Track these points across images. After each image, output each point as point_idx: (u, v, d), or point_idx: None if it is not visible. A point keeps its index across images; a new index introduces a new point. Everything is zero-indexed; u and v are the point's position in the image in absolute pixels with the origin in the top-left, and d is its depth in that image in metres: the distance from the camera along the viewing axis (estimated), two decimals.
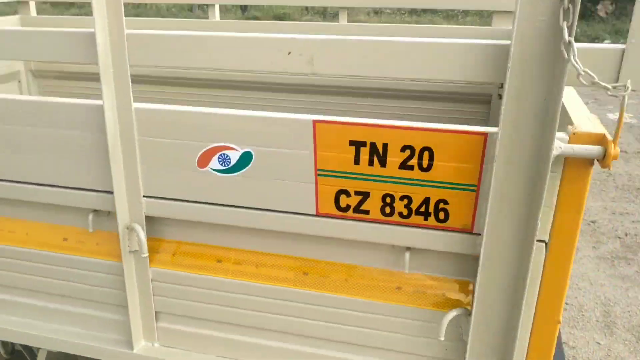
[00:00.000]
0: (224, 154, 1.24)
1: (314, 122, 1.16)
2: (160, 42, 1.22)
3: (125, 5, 1.20)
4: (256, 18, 10.68)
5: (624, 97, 0.95)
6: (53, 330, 1.54)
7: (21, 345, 1.90)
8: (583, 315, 3.38)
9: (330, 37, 1.12)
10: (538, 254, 1.14)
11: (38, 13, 3.02)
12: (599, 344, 3.13)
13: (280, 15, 11.25)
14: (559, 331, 1.46)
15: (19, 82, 3.25)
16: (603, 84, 0.95)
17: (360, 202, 1.19)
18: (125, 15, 1.19)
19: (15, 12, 3.09)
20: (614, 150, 1.00)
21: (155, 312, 1.45)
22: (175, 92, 2.39)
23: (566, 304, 3.44)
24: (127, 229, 1.35)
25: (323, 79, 2.13)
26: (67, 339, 1.52)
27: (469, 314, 1.18)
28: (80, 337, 1.52)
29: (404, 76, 1.08)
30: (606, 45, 0.99)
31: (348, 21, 2.35)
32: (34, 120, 1.35)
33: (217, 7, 2.45)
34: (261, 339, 1.38)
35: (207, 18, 2.50)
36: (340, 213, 1.21)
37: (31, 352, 1.90)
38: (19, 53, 1.42)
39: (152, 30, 1.22)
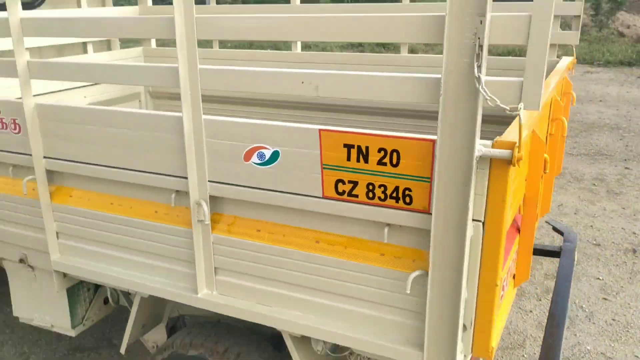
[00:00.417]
0: (261, 152, 1.76)
1: (320, 130, 1.64)
2: (220, 75, 1.77)
3: None
4: None
5: (518, 114, 1.35)
6: (144, 278, 2.13)
7: (122, 292, 2.52)
8: (628, 331, 3.52)
9: (329, 71, 1.61)
10: (477, 230, 1.54)
11: (154, 3, 3.89)
12: (637, 357, 3.28)
13: None
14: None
15: (140, 101, 4.04)
16: (502, 105, 1.35)
17: (352, 189, 1.66)
18: None
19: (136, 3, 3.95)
20: (517, 154, 1.39)
21: (215, 268, 1.98)
22: (229, 108, 3.45)
23: (612, 319, 3.61)
24: (197, 204, 1.90)
25: (325, 99, 3.03)
26: (154, 285, 2.10)
27: (427, 275, 1.59)
28: (161, 284, 2.09)
29: (375, 99, 1.54)
30: (511, 78, 1.39)
31: None
32: (139, 126, 1.95)
33: None
34: (284, 290, 1.87)
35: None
36: (338, 196, 1.68)
37: (129, 299, 2.51)
38: (138, 80, 2.04)
39: (216, 67, 1.78)
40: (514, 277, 1.95)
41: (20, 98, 2.16)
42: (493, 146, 1.45)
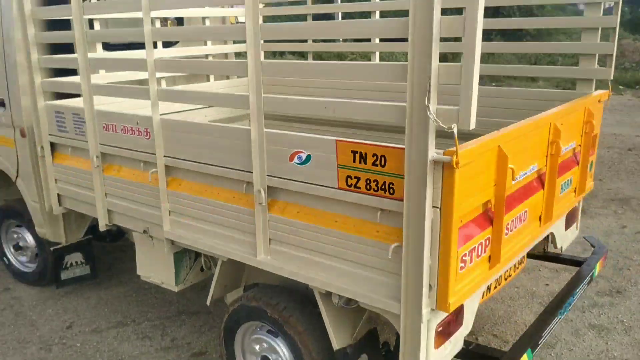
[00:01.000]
0: (300, 155, 2.51)
1: (336, 140, 2.36)
2: (275, 101, 2.56)
3: None
4: None
5: (454, 132, 1.97)
6: (222, 245, 2.95)
7: (212, 260, 3.35)
8: None
9: (341, 100, 2.33)
10: (436, 214, 2.15)
11: None
12: None
13: None
14: None
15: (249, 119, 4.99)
16: (442, 125, 1.98)
17: (356, 182, 2.35)
18: None
19: None
20: (455, 159, 2.00)
21: (270, 239, 2.75)
22: (279, 123, 4.43)
23: None
24: (258, 192, 2.68)
25: (339, 118, 4.04)
26: (229, 249, 2.92)
27: (401, 246, 2.23)
28: (233, 250, 2.90)
29: (369, 119, 2.23)
30: (450, 107, 2.01)
31: None
32: (222, 135, 2.79)
33: None
34: (314, 256, 2.58)
35: None
36: (348, 188, 2.38)
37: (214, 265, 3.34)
38: (226, 104, 2.89)
39: (272, 95, 2.57)
40: (489, 259, 2.50)
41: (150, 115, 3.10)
42: (444, 154, 2.07)
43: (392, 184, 2.24)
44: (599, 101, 3.47)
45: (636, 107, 13.28)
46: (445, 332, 2.44)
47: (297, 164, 2.53)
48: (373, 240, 2.36)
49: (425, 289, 2.22)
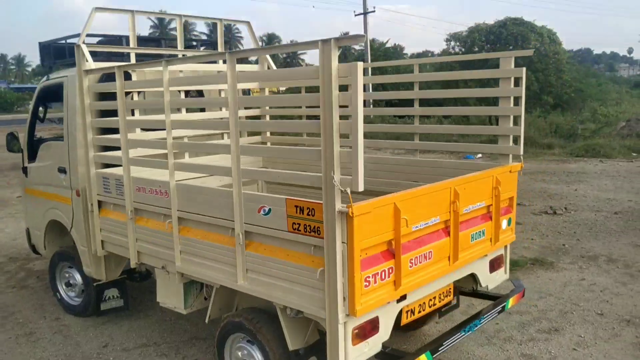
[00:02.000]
0: (264, 208, 3.63)
1: (286, 199, 3.49)
2: (247, 172, 3.73)
3: None
4: None
5: (348, 193, 3.07)
6: (214, 275, 4.06)
7: (209, 287, 4.43)
8: None
9: (282, 171, 3.47)
10: (344, 247, 3.22)
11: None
12: None
13: None
14: None
15: (258, 183, 6.17)
16: (341, 188, 3.08)
17: (299, 227, 3.45)
18: None
19: None
20: (351, 211, 3.09)
21: (246, 269, 3.84)
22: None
23: None
24: (238, 235, 3.80)
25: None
26: (219, 278, 4.02)
27: (324, 270, 3.29)
28: (222, 278, 4.01)
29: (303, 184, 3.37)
30: (347, 176, 3.10)
31: None
32: (214, 196, 3.96)
33: None
34: (275, 281, 3.66)
35: None
36: (294, 231, 3.48)
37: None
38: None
39: (247, 168, 3.74)
40: (394, 283, 3.51)
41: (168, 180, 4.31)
42: (347, 207, 3.15)
43: (319, 227, 3.33)
44: (510, 171, 4.51)
45: None
46: (361, 335, 3.45)
47: (263, 215, 3.65)
48: (309, 267, 3.43)
49: (340, 300, 3.26)
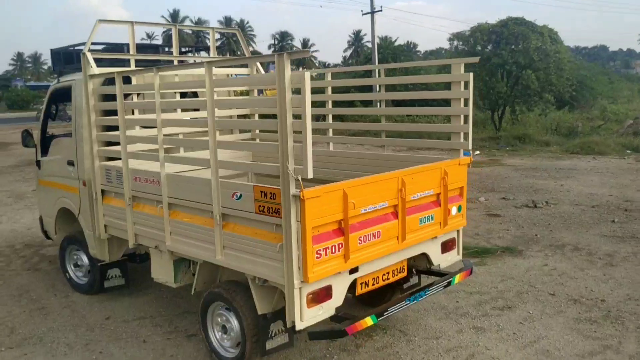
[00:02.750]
0: (236, 194, 4.30)
1: (253, 186, 4.16)
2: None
3: None
4: None
5: (299, 180, 3.72)
6: (197, 252, 4.74)
7: (195, 263, 5.10)
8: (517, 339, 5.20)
9: (249, 162, 4.13)
10: (298, 225, 3.87)
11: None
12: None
13: None
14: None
15: (248, 175, 6.84)
16: (294, 175, 3.73)
17: (263, 209, 4.11)
18: None
19: None
20: (302, 195, 3.74)
21: (223, 246, 4.51)
22: None
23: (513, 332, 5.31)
24: (216, 217, 4.47)
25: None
26: (202, 254, 4.70)
27: (282, 244, 3.95)
28: (204, 254, 4.69)
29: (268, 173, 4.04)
30: (300, 166, 3.75)
31: None
32: (197, 184, 4.64)
33: None
34: (246, 255, 4.33)
35: None
36: (260, 212, 4.14)
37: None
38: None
39: (222, 160, 4.42)
40: (344, 257, 4.16)
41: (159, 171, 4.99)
42: (300, 192, 3.80)
43: (278, 209, 3.98)
44: (459, 164, 5.14)
45: (629, 171, 14.47)
46: (315, 299, 4.10)
47: (236, 199, 4.32)
48: (271, 242, 4.09)
49: (295, 269, 3.92)
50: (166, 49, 7.21)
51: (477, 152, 19.35)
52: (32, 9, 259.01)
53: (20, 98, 55.26)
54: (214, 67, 4.46)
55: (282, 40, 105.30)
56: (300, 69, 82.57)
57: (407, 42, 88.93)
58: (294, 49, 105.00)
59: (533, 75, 22.64)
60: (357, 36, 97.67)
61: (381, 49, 35.62)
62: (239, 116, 6.99)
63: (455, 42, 26.80)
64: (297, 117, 3.74)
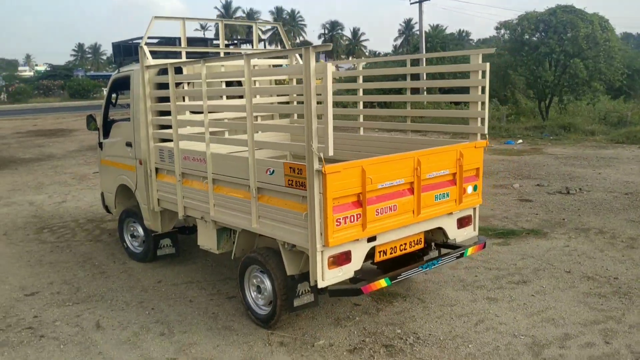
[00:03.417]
0: (270, 170, 4.94)
1: (284, 163, 4.77)
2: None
3: None
4: None
5: (321, 157, 4.31)
6: (236, 221, 5.41)
7: (235, 232, 5.78)
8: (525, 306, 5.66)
9: (276, 141, 4.74)
10: (321, 198, 4.47)
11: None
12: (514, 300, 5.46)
13: None
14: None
15: (286, 156, 7.49)
16: (317, 153, 4.32)
17: (292, 182, 4.72)
18: None
19: None
20: (324, 170, 4.33)
21: (258, 215, 5.16)
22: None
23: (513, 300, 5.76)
24: (253, 190, 5.12)
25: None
26: (239, 222, 5.37)
27: (307, 213, 4.56)
28: (241, 223, 5.36)
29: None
30: (322, 145, 4.33)
31: None
32: (237, 161, 5.30)
33: None
34: (278, 223, 4.97)
35: None
36: (289, 186, 4.76)
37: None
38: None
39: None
40: (362, 226, 4.73)
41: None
42: (322, 167, 4.40)
43: (304, 182, 4.59)
44: (475, 147, 5.61)
45: None
46: (336, 262, 4.69)
47: (269, 175, 4.95)
48: (298, 212, 4.71)
49: (318, 235, 4.52)
50: (214, 42, 7.89)
51: (520, 140, 19.42)
52: (93, 1, 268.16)
53: (82, 87, 57.81)
54: (256, 59, 5.08)
55: (332, 30, 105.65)
56: (350, 58, 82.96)
57: (460, 30, 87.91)
58: (344, 38, 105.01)
59: (581, 64, 22.39)
60: (407, 25, 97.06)
61: (430, 38, 35.60)
62: (280, 103, 7.63)
63: (502, 31, 26.60)
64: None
